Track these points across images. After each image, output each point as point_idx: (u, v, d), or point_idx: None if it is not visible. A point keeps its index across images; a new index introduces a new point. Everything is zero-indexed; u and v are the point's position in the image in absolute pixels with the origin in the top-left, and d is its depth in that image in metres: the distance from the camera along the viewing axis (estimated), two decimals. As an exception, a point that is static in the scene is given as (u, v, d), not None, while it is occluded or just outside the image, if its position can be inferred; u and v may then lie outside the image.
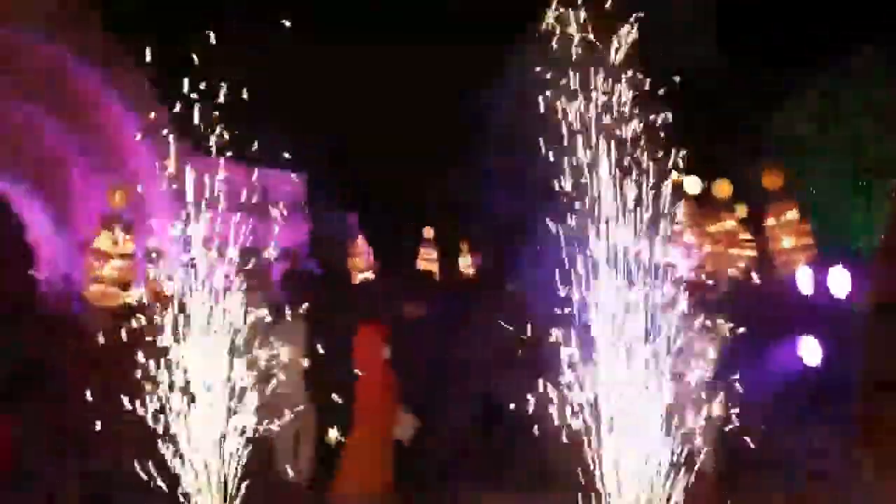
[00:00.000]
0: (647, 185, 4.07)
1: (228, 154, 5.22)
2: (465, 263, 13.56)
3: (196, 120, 5.07)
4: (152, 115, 9.11)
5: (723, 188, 8.60)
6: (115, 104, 12.48)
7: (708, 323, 5.23)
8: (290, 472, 6.92)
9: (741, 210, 9.13)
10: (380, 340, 7.09)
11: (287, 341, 7.12)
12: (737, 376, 5.41)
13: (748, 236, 9.24)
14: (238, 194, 5.58)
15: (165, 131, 5.41)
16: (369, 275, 12.31)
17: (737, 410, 5.00)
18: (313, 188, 13.49)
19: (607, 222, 4.08)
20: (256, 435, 5.25)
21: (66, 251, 12.21)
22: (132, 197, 10.38)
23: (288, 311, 7.02)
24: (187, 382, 4.93)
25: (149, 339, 5.35)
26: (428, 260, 13.86)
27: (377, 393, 6.95)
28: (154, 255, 10.23)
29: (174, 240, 5.48)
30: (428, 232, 14.00)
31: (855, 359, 5.82)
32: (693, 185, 8.44)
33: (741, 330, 5.74)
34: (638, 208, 4.09)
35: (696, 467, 4.09)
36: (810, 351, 6.24)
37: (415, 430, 6.71)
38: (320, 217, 13.30)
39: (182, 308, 5.05)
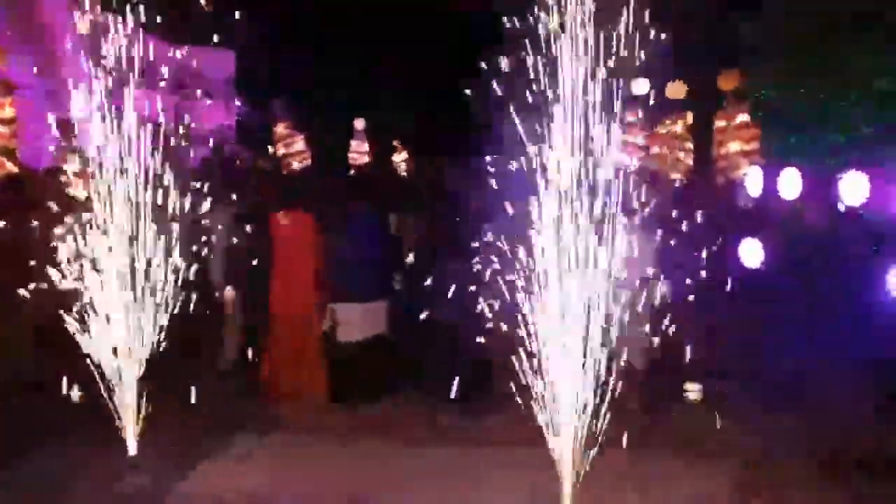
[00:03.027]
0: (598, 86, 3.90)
1: (145, 24, 4.88)
2: (400, 159, 13.04)
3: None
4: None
5: (676, 90, 8.32)
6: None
7: (646, 223, 5.16)
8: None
9: (688, 116, 8.90)
10: (303, 231, 6.76)
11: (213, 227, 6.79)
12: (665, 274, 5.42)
13: (690, 144, 9.06)
14: (160, 70, 5.23)
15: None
16: (296, 165, 11.76)
17: (669, 309, 5.00)
18: (244, 70, 12.74)
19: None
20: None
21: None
22: (13, 58, 9.51)
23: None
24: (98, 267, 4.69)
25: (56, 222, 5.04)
26: (359, 153, 13.32)
27: (299, 286, 6.65)
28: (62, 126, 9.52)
29: (85, 111, 5.08)
30: (359, 123, 13.35)
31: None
32: (641, 86, 8.13)
33: (681, 228, 5.68)
34: (589, 109, 3.92)
35: (624, 364, 4.05)
36: (751, 253, 6.13)
37: (333, 323, 6.49)
38: (248, 101, 12.61)
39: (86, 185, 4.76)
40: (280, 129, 12.16)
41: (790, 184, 5.98)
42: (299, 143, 12.19)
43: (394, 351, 6.53)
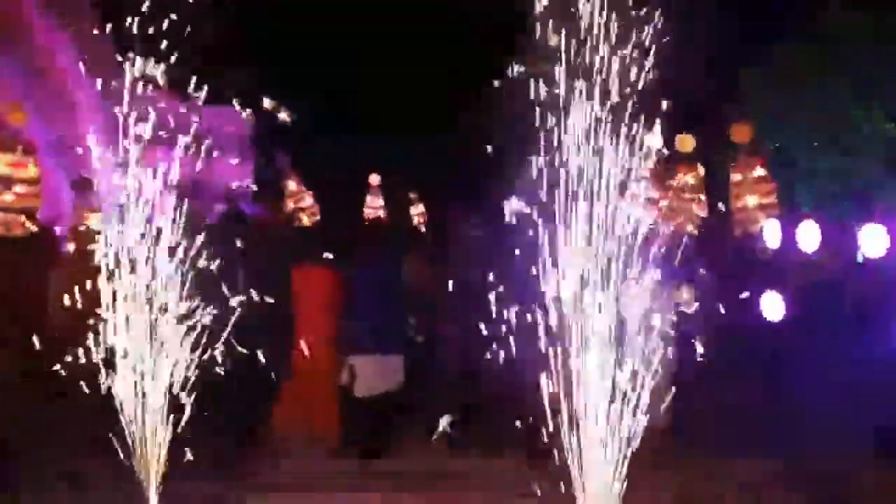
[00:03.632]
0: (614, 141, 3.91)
1: (165, 84, 4.95)
2: (416, 212, 13.13)
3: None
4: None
5: (685, 142, 8.39)
6: (45, 21, 11.58)
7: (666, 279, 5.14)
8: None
9: (699, 168, 8.96)
10: (318, 285, 6.81)
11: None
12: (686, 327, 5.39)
13: (702, 195, 9.08)
14: (178, 128, 5.29)
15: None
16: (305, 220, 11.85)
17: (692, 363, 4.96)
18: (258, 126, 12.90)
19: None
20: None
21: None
22: (33, 116, 9.64)
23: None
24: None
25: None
26: (374, 208, 13.45)
27: (315, 338, 6.67)
28: (81, 184, 9.63)
29: (105, 171, 5.13)
30: (374, 179, 13.52)
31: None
32: (654, 139, 8.16)
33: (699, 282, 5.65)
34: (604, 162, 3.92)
35: (647, 419, 3.99)
36: (772, 305, 6.10)
37: (352, 378, 6.49)
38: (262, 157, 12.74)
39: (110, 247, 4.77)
40: (290, 184, 12.29)
41: (809, 236, 5.98)
42: (308, 199, 12.31)
43: (409, 400, 6.53)
